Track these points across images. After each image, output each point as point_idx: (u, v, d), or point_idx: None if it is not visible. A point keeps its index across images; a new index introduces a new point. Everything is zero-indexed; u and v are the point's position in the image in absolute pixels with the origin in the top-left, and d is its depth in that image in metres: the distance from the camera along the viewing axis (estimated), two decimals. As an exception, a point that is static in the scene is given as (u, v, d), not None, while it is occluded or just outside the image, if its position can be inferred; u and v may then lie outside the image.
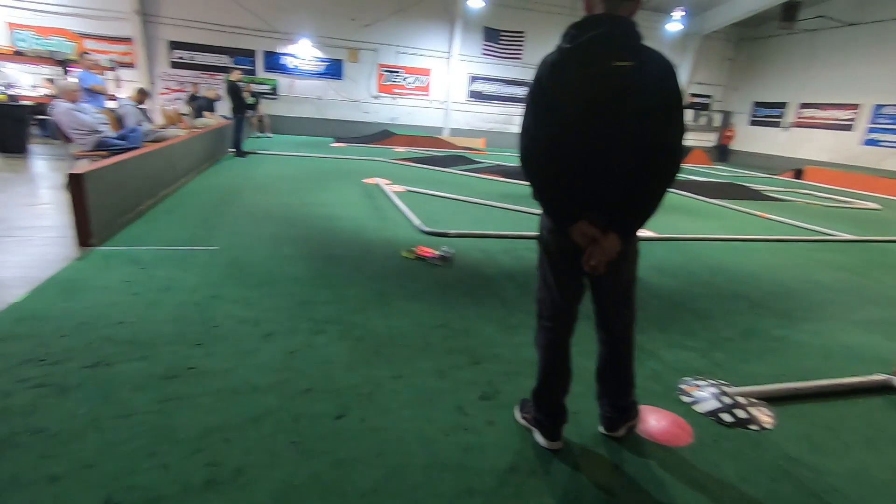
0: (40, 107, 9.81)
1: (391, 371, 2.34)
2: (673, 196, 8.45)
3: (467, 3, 15.10)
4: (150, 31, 13.95)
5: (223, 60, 14.76)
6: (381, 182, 7.65)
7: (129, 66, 13.78)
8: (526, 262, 4.17)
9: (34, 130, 9.45)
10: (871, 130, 14.76)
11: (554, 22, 16.58)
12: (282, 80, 15.58)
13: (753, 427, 2.10)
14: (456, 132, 17.20)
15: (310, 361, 2.37)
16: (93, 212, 3.76)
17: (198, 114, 10.67)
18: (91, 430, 1.79)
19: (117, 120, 6.91)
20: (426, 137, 15.15)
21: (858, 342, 3.13)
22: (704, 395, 2.29)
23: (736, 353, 2.84)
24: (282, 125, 15.54)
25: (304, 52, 15.44)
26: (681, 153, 1.54)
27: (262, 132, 14.29)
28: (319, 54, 15.63)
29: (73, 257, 3.51)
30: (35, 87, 11.49)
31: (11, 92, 10.09)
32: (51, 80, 11.09)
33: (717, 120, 19.84)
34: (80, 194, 3.66)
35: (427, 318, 2.96)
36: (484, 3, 15.15)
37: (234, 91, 9.54)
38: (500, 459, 1.80)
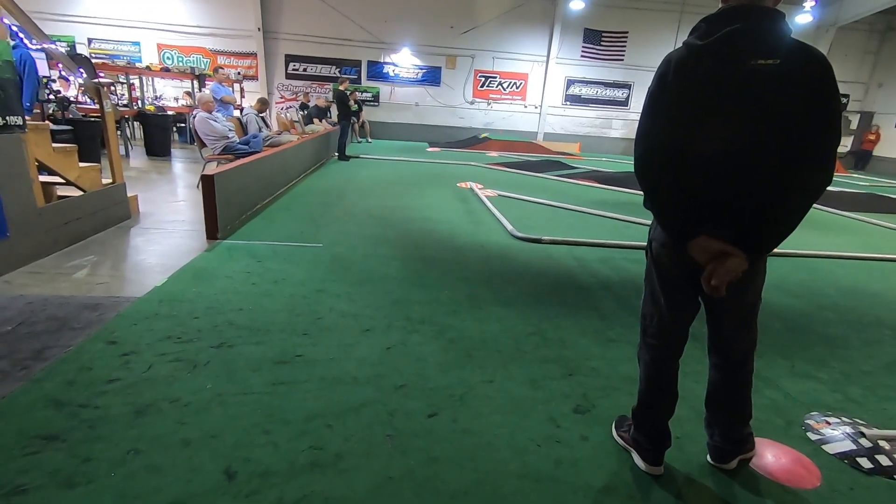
0: (181, 116, 11.24)
1: (483, 375, 2.34)
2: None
3: (568, 4, 14.77)
4: (270, 46, 15.40)
5: (332, 71, 15.84)
6: (475, 186, 7.72)
7: (253, 78, 15.31)
8: (624, 274, 3.97)
9: (175, 136, 10.85)
10: None
11: (661, 20, 15.68)
12: (383, 88, 16.38)
13: (901, 478, 1.81)
14: (550, 137, 16.90)
15: (404, 359, 2.45)
16: (220, 209, 4.21)
17: (308, 121, 11.55)
18: (215, 403, 1.99)
19: (242, 127, 7.70)
20: (520, 142, 15.06)
21: None
22: (837, 434, 2.02)
23: (877, 388, 2.47)
24: (381, 131, 16.32)
25: (404, 61, 16.10)
26: (832, 164, 1.34)
27: (363, 137, 15.12)
28: (418, 62, 16.19)
29: (203, 249, 3.96)
30: (177, 98, 13.18)
31: (159, 104, 11.66)
32: (189, 93, 12.64)
33: (855, 122, 17.44)
34: (211, 193, 4.12)
35: (519, 325, 2.93)
36: (584, 4, 14.72)
37: (341, 99, 10.20)
38: (595, 478, 1.72)
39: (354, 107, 11.32)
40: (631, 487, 1.70)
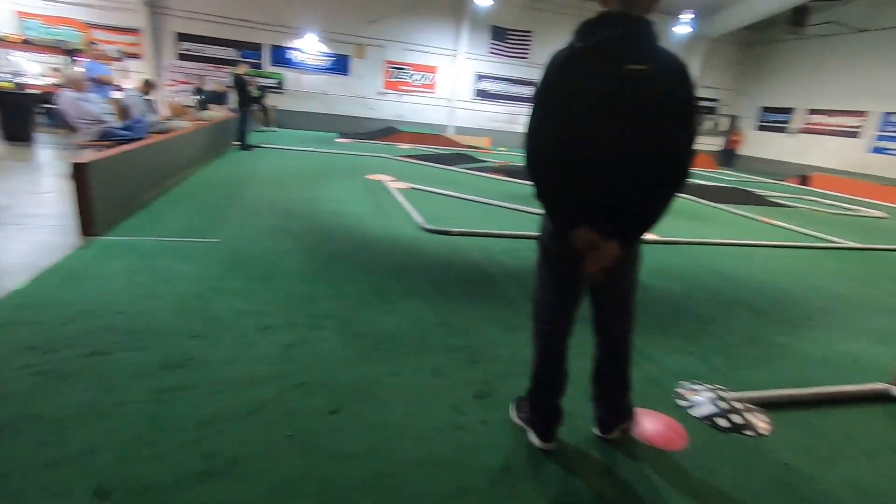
0: (46, 96, 9.85)
1: (388, 368, 2.34)
2: (677, 199, 8.40)
3: (475, 0, 15.06)
4: (158, 22, 13.98)
5: (230, 53, 14.77)
6: (385, 179, 7.66)
7: (136, 56, 13.81)
8: (528, 263, 4.16)
9: (40, 119, 9.49)
10: (880, 138, 14.65)
11: (562, 22, 16.52)
12: (288, 75, 15.59)
13: (749, 433, 2.10)
14: (461, 130, 17.18)
15: (307, 356, 2.37)
16: (96, 201, 3.77)
17: (203, 106, 10.69)
18: (88, 417, 1.79)
19: (123, 110, 6.93)
20: (431, 135, 15.14)
21: (860, 351, 3.11)
22: (701, 399, 2.29)
23: (736, 359, 2.83)
24: (287, 119, 15.56)
25: (310, 47, 15.45)
26: (691, 160, 1.50)
27: (267, 126, 14.31)
28: (326, 49, 15.63)
29: (75, 246, 3.52)
30: (42, 75, 11.53)
31: (18, 80, 10.12)
32: (57, 70, 11.13)
33: (724, 124, 19.74)
34: (84, 183, 3.67)
35: (427, 316, 2.96)
36: (492, 2, 15.10)
37: (240, 84, 9.55)
38: (494, 459, 1.80)
39: (256, 93, 10.65)
40: (527, 464, 1.80)
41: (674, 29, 16.24)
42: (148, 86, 7.62)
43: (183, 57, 14.54)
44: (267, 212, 5.08)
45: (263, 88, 13.97)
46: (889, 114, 14.37)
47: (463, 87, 17.11)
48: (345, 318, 2.82)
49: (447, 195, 6.89)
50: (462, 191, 7.18)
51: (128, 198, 4.55)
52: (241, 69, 9.75)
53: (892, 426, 2.30)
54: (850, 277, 4.80)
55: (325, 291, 3.18)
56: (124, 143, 5.08)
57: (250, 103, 9.97)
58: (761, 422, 2.17)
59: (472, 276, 3.77)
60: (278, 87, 15.56)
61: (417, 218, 5.25)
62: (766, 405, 2.31)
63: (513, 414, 2.03)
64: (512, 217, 5.84)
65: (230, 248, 3.81)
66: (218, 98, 11.47)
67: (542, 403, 1.86)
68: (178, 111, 9.52)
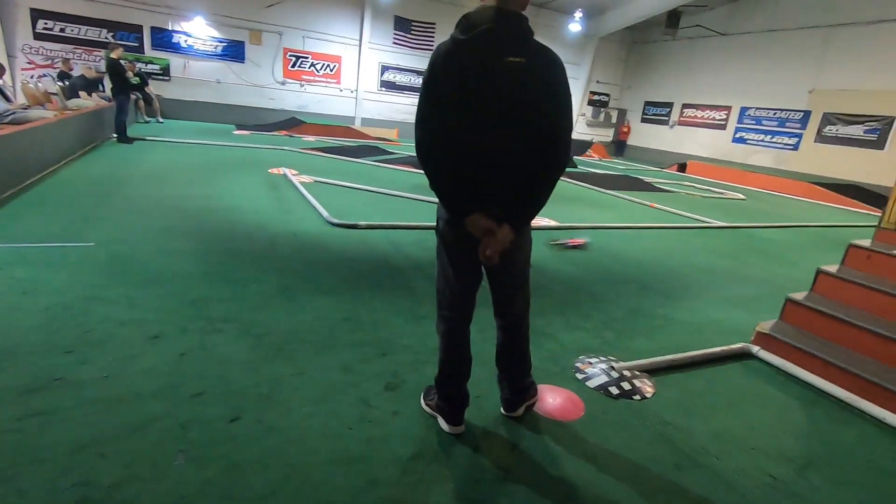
0: None
1: (293, 368, 2.26)
2: (574, 187, 9.00)
3: (377, -11, 14.83)
4: (8, -5, 12.08)
5: (102, 35, 13.17)
6: (288, 172, 7.32)
7: (-19, 35, 11.85)
8: (435, 253, 4.21)
9: None
10: (739, 130, 16.75)
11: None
12: (174, 60, 14.26)
13: (636, 397, 2.31)
14: (368, 122, 16.88)
15: (202, 363, 2.21)
16: (-70, 204, 3.19)
17: (71, 94, 9.45)
18: (-75, 459, 1.53)
19: (-36, 97, 5.91)
20: (337, 127, 14.71)
21: (725, 316, 3.55)
22: (595, 371, 2.48)
23: (625, 331, 3.10)
24: (175, 109, 14.25)
25: (199, 31, 14.24)
26: (568, 147, 1.62)
27: (151, 116, 13.01)
28: (217, 34, 14.51)
29: None
30: None
31: None
32: None
33: (614, 117, 21.37)
34: (-89, 184, 3.09)
35: (334, 313, 2.89)
36: (394, -9, 14.96)
37: (115, 69, 8.57)
38: (404, 448, 1.81)
39: (135, 80, 9.62)
40: (436, 449, 1.83)
41: (568, 27, 17.22)
42: (-4, 69, 6.56)
43: (42, 37, 12.71)
44: (153, 211, 4.63)
45: (144, 75, 12.69)
46: (746, 108, 16.45)
47: (368, 78, 16.80)
48: (245, 321, 2.66)
49: (355, 188, 6.75)
50: (370, 183, 7.08)
51: (-26, 199, 3.91)
52: (116, 52, 8.74)
53: (751, 379, 2.66)
54: (717, 252, 5.45)
55: (222, 294, 2.98)
56: (-34, 136, 4.35)
57: (128, 91, 8.99)
58: (647, 386, 2.40)
59: (379, 269, 3.74)
60: (163, 74, 14.18)
61: (323, 212, 5.09)
62: (651, 371, 2.55)
63: (422, 403, 2.05)
64: (421, 208, 5.87)
65: (108, 253, 3.43)
66: (89, 85, 10.18)
67: (450, 389, 1.90)
68: (39, 99, 8.30)
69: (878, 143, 13.06)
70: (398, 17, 16.39)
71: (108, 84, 9.19)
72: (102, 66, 10.39)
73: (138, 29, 13.62)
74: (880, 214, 2.94)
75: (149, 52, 13.87)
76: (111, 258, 3.34)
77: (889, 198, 2.92)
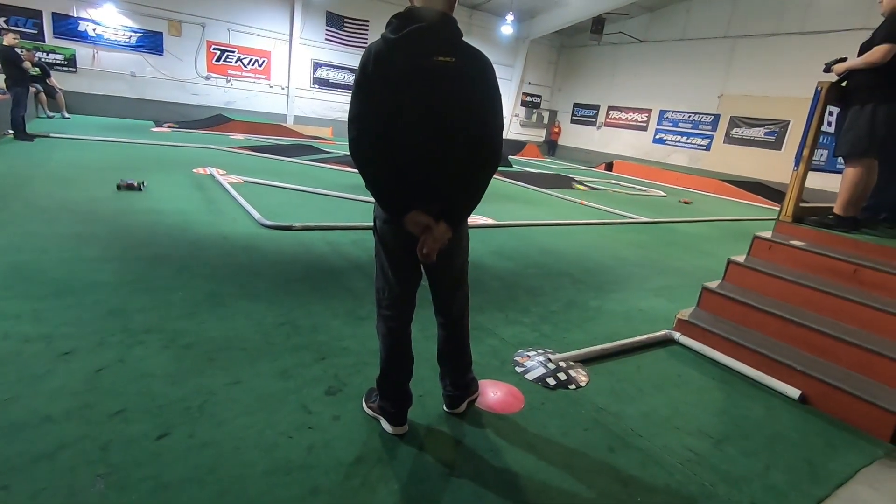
0: None
1: (227, 378, 2.15)
2: (510, 186, 9.23)
3: (307, -17, 14.40)
4: None
5: (-7, 19, 11.83)
6: (215, 172, 6.94)
7: None
8: (375, 253, 4.16)
9: None
10: (659, 131, 17.95)
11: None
12: (81, 50, 13.07)
13: (572, 387, 2.41)
14: (301, 120, 16.38)
15: (122, 379, 2.05)
16: None
17: (-44, 84, 8.40)
18: None
19: None
20: (268, 125, 14.15)
21: (650, 306, 3.79)
22: (534, 363, 2.56)
23: (560, 323, 3.22)
24: (84, 104, 13.07)
25: (110, 19, 13.15)
26: (500, 144, 1.66)
27: (54, 111, 11.85)
28: (131, 23, 13.47)
29: None
30: None
31: None
32: None
33: (546, 117, 22.15)
34: None
35: (269, 318, 2.78)
36: (325, -13, 14.60)
37: (8, 58, 7.72)
38: (347, 453, 1.78)
39: (35, 70, 8.70)
40: (380, 451, 1.82)
41: (501, 29, 17.62)
42: None
43: (-83, 19, 11.21)
44: (59, 215, 4.23)
45: (45, 65, 11.55)
46: (664, 111, 17.66)
47: (300, 75, 16.29)
48: (170, 331, 2.49)
49: (288, 188, 6.53)
50: (304, 183, 6.87)
51: None
52: (9, 39, 7.88)
53: (674, 363, 2.86)
54: (641, 246, 5.81)
55: (143, 303, 2.77)
56: None
57: (27, 83, 8.14)
58: (581, 375, 2.51)
59: (316, 270, 3.64)
60: (68, 65, 12.96)
61: (255, 214, 4.88)
62: (585, 361, 2.68)
63: (364, 405, 2.03)
64: (358, 208, 5.78)
65: (7, 262, 3.09)
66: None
67: (392, 389, 1.89)
68: (-85, 90, 7.32)
69: (777, 144, 14.51)
70: (330, 13, 16.03)
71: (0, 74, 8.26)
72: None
73: (37, 14, 12.36)
74: (779, 208, 3.26)
75: (50, 40, 12.63)
76: (11, 268, 3.01)
77: (786, 194, 3.24)
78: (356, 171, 1.67)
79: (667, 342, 3.09)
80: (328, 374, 2.27)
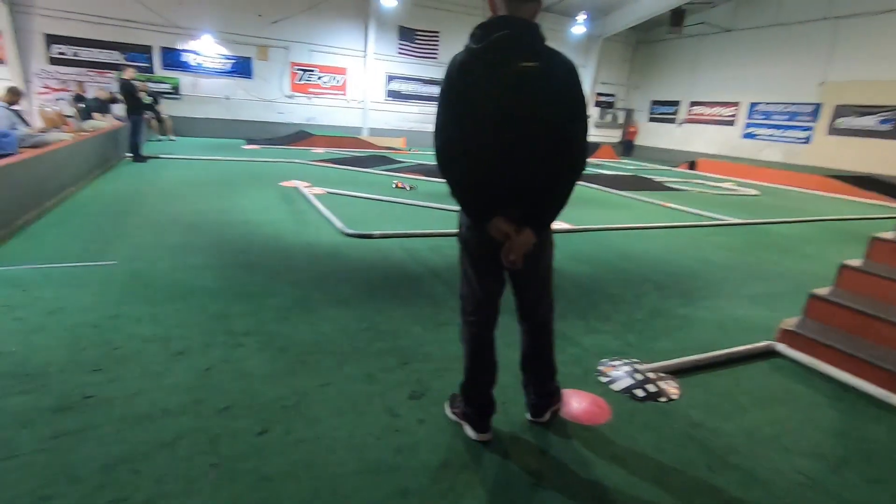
0: None
1: (317, 380, 2.27)
2: (585, 189, 8.97)
3: (380, 1, 14.97)
4: (21, 22, 12.40)
5: (114, 57, 13.47)
6: (300, 185, 7.39)
7: (-2, 62, 12.17)
8: (452, 260, 4.22)
9: None
10: (749, 125, 16.59)
11: (469, 22, 16.67)
12: (184, 79, 14.52)
13: (662, 399, 2.28)
14: (375, 132, 17.02)
15: (227, 377, 2.23)
16: (-43, 229, 3.27)
17: (86, 115, 9.65)
18: (-36, 479, 1.55)
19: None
20: (346, 138, 14.85)
21: (747, 314, 3.50)
22: (619, 374, 2.45)
23: (646, 332, 3.07)
24: (186, 127, 14.50)
25: (207, 49, 14.50)
26: (586, 148, 1.64)
27: (163, 135, 13.24)
28: (225, 51, 14.76)
29: (-67, 282, 3.04)
30: None
31: None
32: None
33: (621, 117, 21.29)
34: (-61, 209, 3.17)
35: (353, 323, 2.90)
36: (397, 2, 15.10)
37: (128, 90, 8.75)
38: (433, 457, 1.81)
39: (148, 99, 9.80)
40: (465, 457, 1.82)
41: (571, 29, 17.24)
42: (13, 94, 6.71)
43: (56, 61, 13.03)
44: (170, 227, 4.70)
45: (156, 94, 12.93)
46: (755, 104, 16.30)
47: (375, 89, 16.95)
48: (266, 334, 2.68)
49: (367, 198, 6.79)
50: (381, 193, 7.12)
51: (-2, 222, 4.00)
52: (129, 74, 8.94)
53: (778, 378, 2.62)
54: (733, 250, 5.39)
55: (242, 308, 3.01)
56: (-12, 161, 4.45)
57: (141, 111, 9.17)
58: (672, 388, 2.37)
59: (396, 277, 3.75)
60: (174, 93, 14.45)
61: (338, 223, 5.12)
62: (675, 372, 2.52)
63: (448, 411, 2.05)
64: (436, 215, 5.89)
65: (129, 271, 3.48)
66: (102, 106, 10.40)
67: (476, 395, 1.90)
68: (55, 122, 8.49)
69: (894, 134, 12.85)
70: (402, 27, 16.55)
71: (121, 105, 9.37)
72: (115, 87, 10.60)
73: (148, 49, 13.90)
74: (903, 205, 2.89)
75: (159, 71, 14.14)
76: (132, 276, 3.39)
77: (911, 188, 2.87)
78: (430, 179, 1.71)
79: (769, 354, 2.84)
80: (411, 379, 2.32)
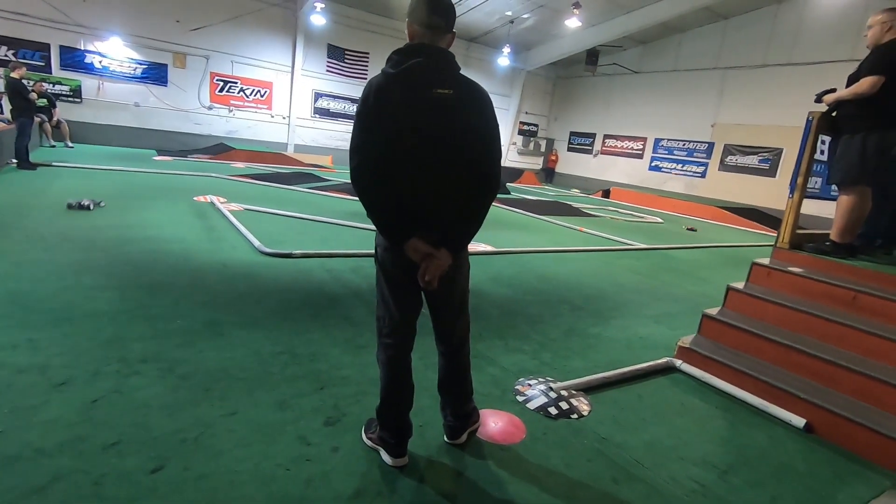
0: None
1: (223, 409, 2.12)
2: (508, 213, 9.30)
3: (310, 19, 14.81)
4: None
5: (1, 52, 12.10)
6: (216, 200, 6.99)
7: None
8: (374, 280, 4.15)
9: None
10: (654, 159, 18.20)
11: (399, 45, 17.12)
12: (87, 82, 13.32)
13: (574, 416, 2.38)
14: (301, 148, 16.60)
15: (118, 410, 2.02)
16: None
17: (-38, 115, 8.54)
18: None
19: None
20: (269, 153, 14.34)
21: (651, 333, 3.77)
22: (535, 392, 2.53)
23: (560, 351, 3.20)
24: (89, 134, 13.27)
25: (116, 52, 13.46)
26: (498, 173, 1.70)
27: (58, 141, 12.01)
28: (136, 56, 13.78)
29: None
30: None
31: None
32: None
33: (543, 146, 22.49)
34: None
35: (268, 346, 2.76)
36: (325, 21, 15.01)
37: (16, 89, 7.88)
38: (345, 486, 1.74)
39: (41, 101, 8.86)
40: (379, 484, 1.78)
41: (498, 60, 18.06)
42: None
43: (-73, 52, 11.47)
44: (60, 244, 4.24)
45: (52, 96, 11.75)
46: (659, 139, 17.95)
47: (301, 105, 16.60)
48: (168, 360, 2.47)
49: (288, 216, 6.56)
50: (305, 211, 6.92)
51: None
52: (18, 72, 8.05)
53: (676, 392, 2.83)
54: (640, 273, 5.81)
55: (141, 332, 2.75)
56: None
57: (31, 113, 8.27)
58: (583, 404, 2.48)
59: (315, 298, 3.63)
60: (73, 96, 13.19)
61: (255, 241, 4.89)
62: (586, 389, 2.65)
63: (364, 436, 1.99)
64: (357, 235, 5.81)
65: (3, 291, 3.08)
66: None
67: (392, 419, 1.87)
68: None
69: (771, 172, 14.69)
70: (331, 45, 16.44)
71: (6, 105, 8.40)
72: (2, 86, 9.51)
73: (45, 47, 12.65)
74: (776, 235, 3.29)
75: (57, 72, 12.88)
76: (8, 297, 3.00)
77: (782, 220, 3.28)
78: (356, 198, 1.69)
79: (668, 370, 3.07)
80: (327, 405, 2.24)
